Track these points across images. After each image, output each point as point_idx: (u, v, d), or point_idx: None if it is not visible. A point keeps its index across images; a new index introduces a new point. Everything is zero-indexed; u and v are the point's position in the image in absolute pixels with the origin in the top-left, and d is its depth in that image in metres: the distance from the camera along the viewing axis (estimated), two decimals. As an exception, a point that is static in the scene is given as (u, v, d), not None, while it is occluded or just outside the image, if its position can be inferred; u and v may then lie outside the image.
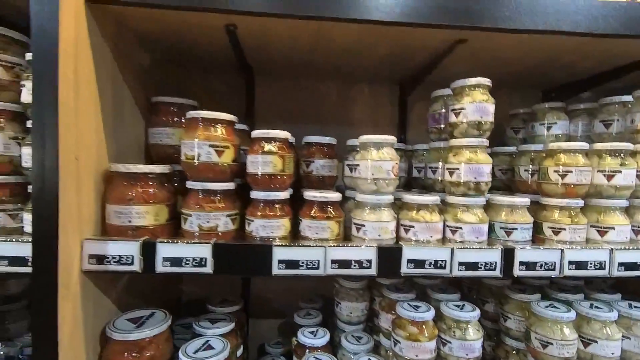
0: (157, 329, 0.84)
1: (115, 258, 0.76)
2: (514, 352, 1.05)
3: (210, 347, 0.89)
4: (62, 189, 0.69)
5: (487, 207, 0.92)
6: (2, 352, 1.01)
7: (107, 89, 0.83)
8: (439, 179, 1.00)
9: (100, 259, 0.75)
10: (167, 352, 0.87)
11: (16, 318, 1.17)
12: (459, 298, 1.04)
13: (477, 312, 0.91)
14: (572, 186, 0.88)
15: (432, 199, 0.87)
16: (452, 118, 0.88)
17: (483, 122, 0.85)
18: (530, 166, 1.02)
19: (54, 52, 0.64)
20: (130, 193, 0.80)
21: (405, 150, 1.21)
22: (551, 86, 1.43)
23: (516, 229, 0.89)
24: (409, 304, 0.94)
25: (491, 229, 0.91)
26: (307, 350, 1.01)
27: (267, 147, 0.82)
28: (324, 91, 1.42)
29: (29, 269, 0.76)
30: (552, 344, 0.90)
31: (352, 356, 1.02)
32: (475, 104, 0.84)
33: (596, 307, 0.96)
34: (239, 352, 1.08)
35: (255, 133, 0.83)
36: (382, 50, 1.01)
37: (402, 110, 1.43)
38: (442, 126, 1.00)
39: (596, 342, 0.92)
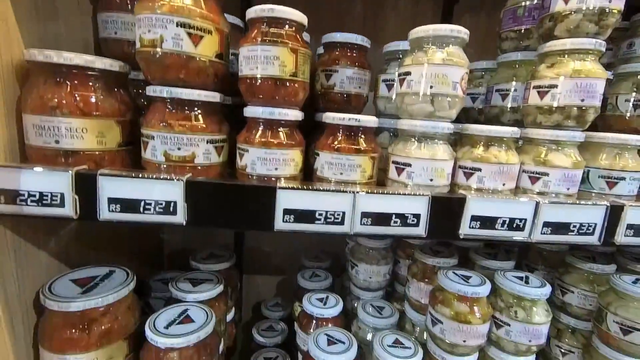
0: (114, 294, 0.61)
1: (34, 196, 0.49)
2: (569, 331, 0.84)
3: (188, 319, 0.66)
4: None
5: (579, 148, 0.65)
6: None
7: None
8: (510, 105, 0.71)
9: (11, 195, 0.49)
10: (130, 323, 0.64)
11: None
12: (514, 266, 0.81)
13: (548, 289, 0.68)
14: None
15: (509, 130, 0.59)
16: (559, 4, 0.57)
17: (609, 11, 0.55)
18: (634, 94, 0.74)
19: None
20: (54, 97, 0.51)
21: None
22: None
23: (623, 178, 0.62)
24: (454, 272, 0.71)
25: (583, 178, 0.65)
26: (315, 321, 0.80)
27: (273, 32, 0.52)
28: (346, -5, 1.07)
29: None
30: (637, 329, 0.68)
31: (370, 331, 0.81)
32: (603, -22, 0.53)
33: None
34: (230, 317, 0.88)
35: (255, 10, 0.52)
36: None
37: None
38: (526, 27, 0.69)
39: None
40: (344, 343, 0.69)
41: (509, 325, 0.67)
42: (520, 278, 0.71)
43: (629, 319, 0.69)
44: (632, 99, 0.74)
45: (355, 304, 0.89)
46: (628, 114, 0.74)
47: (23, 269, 0.58)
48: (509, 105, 0.71)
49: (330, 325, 0.78)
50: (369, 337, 0.80)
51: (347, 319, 0.88)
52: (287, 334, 0.98)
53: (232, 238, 1.21)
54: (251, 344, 0.98)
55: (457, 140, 0.66)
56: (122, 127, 0.57)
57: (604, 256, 0.85)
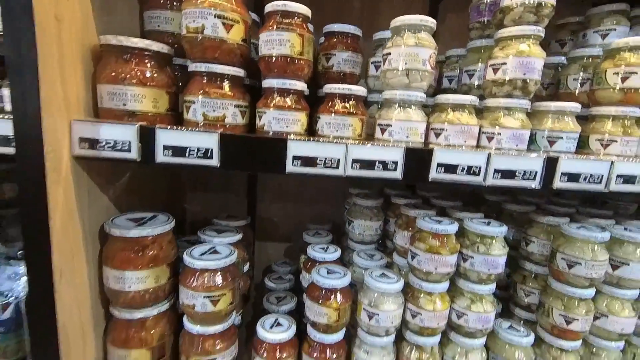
0: (160, 228, 0.78)
1: (109, 143, 0.67)
2: (533, 276, 1.00)
3: (216, 252, 0.83)
4: (42, 57, 0.58)
5: (530, 116, 0.81)
6: (2, 251, 0.97)
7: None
8: (476, 82, 0.88)
9: (93, 143, 0.66)
10: (171, 254, 0.82)
11: (13, 223, 1.13)
12: (483, 217, 0.97)
13: (505, 228, 0.84)
14: (633, 91, 0.77)
15: (469, 98, 0.76)
16: (505, 1, 0.74)
17: (544, 4, 0.71)
18: (581, 74, 0.90)
19: None
20: (123, 71, 0.68)
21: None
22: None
23: (561, 137, 0.79)
24: (430, 217, 0.87)
25: (532, 139, 0.81)
26: (317, 265, 0.97)
27: (285, 22, 0.69)
28: (343, -8, 1.24)
29: (12, 150, 0.68)
30: (580, 263, 0.84)
31: (364, 271, 0.97)
32: (536, -20, 0.70)
33: (630, 229, 0.89)
34: (245, 268, 1.05)
35: (272, 5, 0.70)
36: None
37: (431, 20, 1.26)
38: (487, 19, 0.85)
39: (627, 264, 0.86)
40: (340, 274, 0.86)
41: (473, 257, 0.84)
42: (483, 222, 0.87)
43: (573, 255, 0.85)
44: (579, 79, 0.90)
45: (351, 254, 1.05)
46: (576, 91, 0.90)
47: (92, 207, 0.76)
48: (475, 83, 0.88)
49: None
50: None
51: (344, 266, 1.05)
52: (294, 282, 1.15)
53: (245, 208, 1.39)
54: (263, 290, 1.15)
55: (432, 109, 0.83)
56: (170, 96, 0.74)
57: (563, 215, 1.01)
